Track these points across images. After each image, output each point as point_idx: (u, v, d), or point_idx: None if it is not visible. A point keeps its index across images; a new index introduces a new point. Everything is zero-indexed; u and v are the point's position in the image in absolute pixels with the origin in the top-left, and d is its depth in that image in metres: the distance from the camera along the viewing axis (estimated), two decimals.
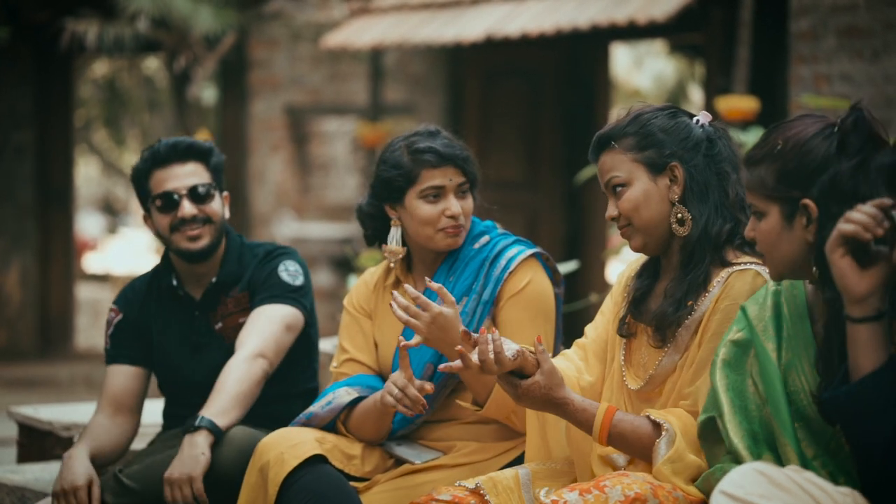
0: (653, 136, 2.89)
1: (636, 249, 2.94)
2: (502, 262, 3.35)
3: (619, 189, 2.90)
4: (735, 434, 2.62)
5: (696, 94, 17.19)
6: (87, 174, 21.34)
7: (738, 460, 2.60)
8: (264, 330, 3.63)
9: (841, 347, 2.48)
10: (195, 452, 3.37)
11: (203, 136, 10.59)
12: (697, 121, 2.93)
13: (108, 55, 12.09)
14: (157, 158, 3.70)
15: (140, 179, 3.73)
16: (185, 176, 3.69)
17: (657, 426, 2.78)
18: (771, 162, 2.58)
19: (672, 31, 9.89)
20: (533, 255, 3.39)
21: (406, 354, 3.12)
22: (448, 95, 10.73)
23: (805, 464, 2.54)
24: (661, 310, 2.87)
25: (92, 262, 21.48)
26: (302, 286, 3.73)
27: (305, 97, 10.96)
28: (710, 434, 2.70)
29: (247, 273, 3.77)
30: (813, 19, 7.27)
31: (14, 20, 11.01)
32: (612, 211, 2.92)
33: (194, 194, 3.69)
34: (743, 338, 2.68)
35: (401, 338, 3.13)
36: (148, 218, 3.77)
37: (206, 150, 3.74)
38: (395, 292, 3.11)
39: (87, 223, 23.07)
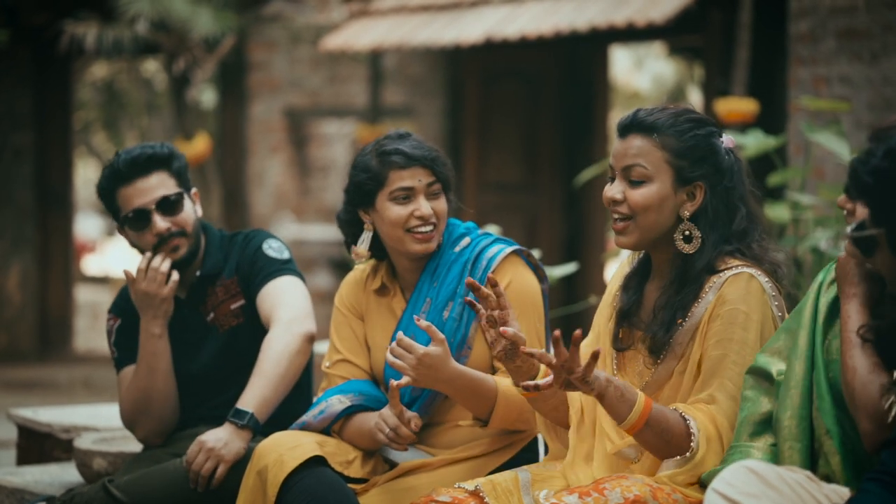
0: (695, 148, 2.82)
1: (624, 245, 2.88)
2: (483, 262, 3.32)
3: (636, 178, 2.82)
4: (788, 411, 2.62)
5: (695, 96, 17.18)
6: (86, 176, 21.30)
7: (776, 432, 2.62)
8: (284, 300, 3.63)
9: None
10: (239, 443, 3.41)
11: (201, 139, 10.66)
12: (722, 142, 2.87)
13: (108, 57, 12.09)
14: (120, 176, 3.65)
15: (106, 197, 3.70)
16: (151, 189, 3.64)
17: (687, 430, 2.72)
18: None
19: (671, 33, 9.89)
20: (513, 252, 3.35)
21: (397, 393, 3.12)
22: (447, 97, 10.73)
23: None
24: (651, 331, 2.84)
25: (91, 265, 21.49)
26: (290, 259, 3.74)
27: (305, 99, 10.96)
28: (757, 380, 2.70)
29: (231, 259, 3.76)
30: (812, 21, 7.27)
31: (13, 22, 11.01)
32: (616, 194, 2.84)
33: (164, 206, 3.65)
34: (791, 326, 2.71)
35: (392, 381, 3.11)
36: (122, 230, 3.74)
37: (167, 157, 3.68)
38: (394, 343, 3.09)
39: (86, 225, 23.04)
